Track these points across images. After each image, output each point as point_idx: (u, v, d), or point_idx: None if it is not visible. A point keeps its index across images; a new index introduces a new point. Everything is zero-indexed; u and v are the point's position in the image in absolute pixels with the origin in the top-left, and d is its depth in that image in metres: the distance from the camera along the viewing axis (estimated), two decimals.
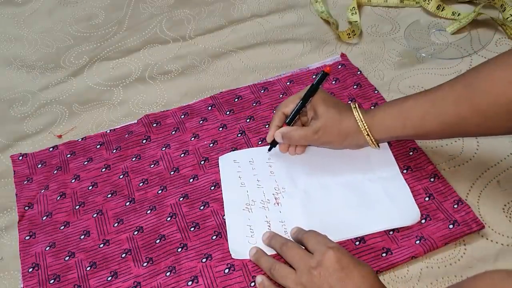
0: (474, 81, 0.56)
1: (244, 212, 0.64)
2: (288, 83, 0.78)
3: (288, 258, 0.56)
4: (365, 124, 0.61)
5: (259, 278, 0.57)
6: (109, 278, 0.60)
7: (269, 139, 0.67)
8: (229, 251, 0.60)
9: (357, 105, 0.63)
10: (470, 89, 0.55)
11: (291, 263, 0.55)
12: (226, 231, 0.62)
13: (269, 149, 0.69)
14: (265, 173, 0.67)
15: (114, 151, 0.72)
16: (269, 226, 0.62)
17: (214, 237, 0.62)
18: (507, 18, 0.83)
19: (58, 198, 0.68)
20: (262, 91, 0.78)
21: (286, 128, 0.65)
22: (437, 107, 0.57)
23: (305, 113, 0.67)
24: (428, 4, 0.87)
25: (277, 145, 0.68)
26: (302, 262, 0.53)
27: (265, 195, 0.65)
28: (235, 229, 0.62)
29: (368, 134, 0.62)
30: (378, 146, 0.64)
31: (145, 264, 0.61)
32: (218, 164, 0.69)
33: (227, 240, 0.61)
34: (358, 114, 0.62)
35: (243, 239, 0.61)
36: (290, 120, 0.66)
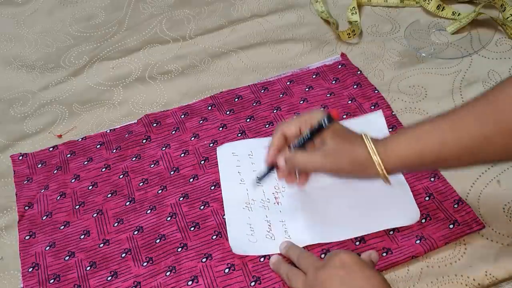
0: (498, 97, 0.49)
1: (244, 210, 0.64)
2: (288, 83, 0.78)
3: (302, 266, 0.56)
4: (376, 154, 0.53)
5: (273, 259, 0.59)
6: (109, 278, 0.60)
7: (268, 162, 0.60)
8: (229, 251, 0.60)
9: (368, 136, 0.54)
10: (494, 105, 0.49)
11: (304, 269, 0.55)
12: (226, 231, 0.62)
13: (260, 179, 0.61)
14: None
15: (114, 151, 0.72)
16: (270, 225, 0.62)
17: (214, 236, 0.62)
18: (507, 18, 0.83)
19: (58, 198, 0.68)
20: (262, 91, 0.78)
21: (290, 153, 0.58)
22: (458, 129, 0.50)
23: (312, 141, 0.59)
24: (428, 4, 0.87)
25: (274, 170, 0.61)
26: (312, 266, 0.54)
27: (265, 194, 0.65)
28: (235, 225, 0.62)
29: (379, 164, 0.53)
30: (390, 182, 0.54)
31: (145, 264, 0.61)
32: (218, 164, 0.69)
33: (227, 240, 0.61)
34: (369, 143, 0.53)
35: (244, 237, 0.61)
36: (298, 146, 0.58)
